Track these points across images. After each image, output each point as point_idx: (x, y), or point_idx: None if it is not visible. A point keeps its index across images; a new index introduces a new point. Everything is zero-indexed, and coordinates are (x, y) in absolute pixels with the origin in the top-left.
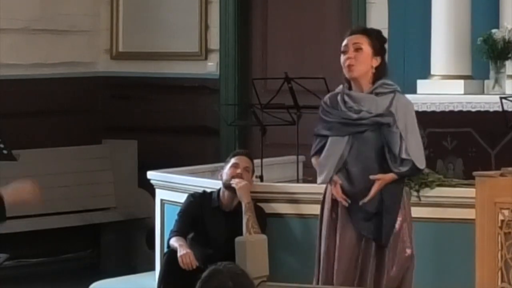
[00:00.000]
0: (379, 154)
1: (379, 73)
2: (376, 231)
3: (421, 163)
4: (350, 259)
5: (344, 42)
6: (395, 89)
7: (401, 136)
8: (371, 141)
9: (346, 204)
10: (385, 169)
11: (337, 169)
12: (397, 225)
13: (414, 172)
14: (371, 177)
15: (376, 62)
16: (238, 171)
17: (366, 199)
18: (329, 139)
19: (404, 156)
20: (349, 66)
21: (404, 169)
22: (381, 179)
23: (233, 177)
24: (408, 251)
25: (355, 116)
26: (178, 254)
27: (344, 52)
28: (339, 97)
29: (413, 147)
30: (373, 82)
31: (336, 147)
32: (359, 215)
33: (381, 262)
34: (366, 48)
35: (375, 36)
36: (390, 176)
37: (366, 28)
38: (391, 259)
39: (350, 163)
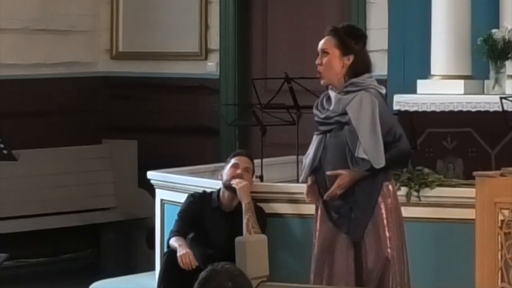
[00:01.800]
0: (343, 153)
1: (354, 70)
2: (348, 226)
3: (377, 163)
4: (326, 252)
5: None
6: (364, 87)
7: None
8: (338, 140)
9: (318, 204)
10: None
11: (312, 168)
12: (371, 224)
13: (374, 171)
14: (327, 173)
15: (347, 61)
16: (238, 171)
17: (325, 195)
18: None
19: (360, 155)
20: (319, 73)
21: (362, 168)
22: (342, 174)
23: (233, 177)
24: (387, 253)
25: (323, 115)
26: (178, 254)
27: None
28: (321, 97)
29: (371, 146)
30: (345, 80)
31: (312, 146)
32: (334, 211)
33: (359, 256)
34: (332, 51)
35: (344, 34)
36: (353, 172)
37: (336, 27)
38: (369, 256)
39: (323, 162)
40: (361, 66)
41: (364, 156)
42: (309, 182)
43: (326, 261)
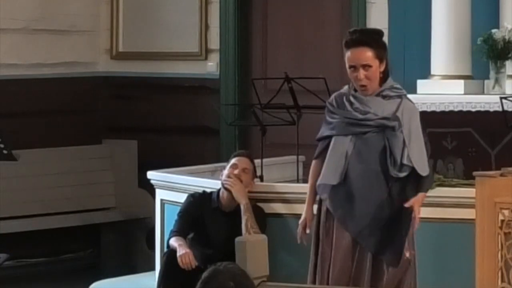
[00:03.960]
0: (379, 157)
1: (385, 74)
2: (388, 253)
3: (423, 170)
4: (345, 260)
5: (349, 56)
6: (402, 94)
7: (404, 142)
8: (373, 143)
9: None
10: (385, 172)
11: (341, 168)
12: None
13: (426, 183)
14: (406, 205)
15: (383, 66)
16: (236, 172)
17: (415, 227)
18: (333, 139)
19: (405, 161)
20: (362, 86)
21: (402, 174)
22: (415, 203)
23: (229, 177)
24: (407, 254)
25: (360, 116)
26: (178, 254)
27: (352, 68)
28: (344, 98)
29: (415, 154)
30: (380, 84)
31: (340, 146)
32: (363, 228)
33: (379, 263)
34: (374, 63)
35: (377, 43)
36: (422, 195)
37: (367, 38)
38: None
39: (350, 164)
40: (388, 69)
41: (409, 164)
42: (308, 215)
43: (348, 269)
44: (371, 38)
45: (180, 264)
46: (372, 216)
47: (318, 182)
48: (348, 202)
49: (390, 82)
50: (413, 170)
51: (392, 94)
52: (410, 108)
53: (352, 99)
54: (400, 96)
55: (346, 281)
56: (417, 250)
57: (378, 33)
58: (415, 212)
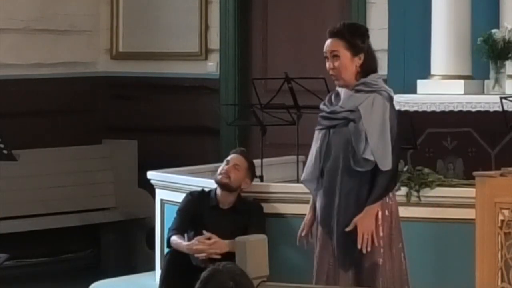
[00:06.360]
0: (345, 151)
1: (365, 69)
2: (343, 256)
3: (384, 165)
4: (329, 255)
5: (324, 47)
6: (377, 89)
7: (366, 136)
8: (341, 136)
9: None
10: (349, 167)
11: (318, 162)
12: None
13: (377, 191)
14: (346, 229)
15: (358, 60)
16: (226, 167)
17: (359, 245)
18: (315, 134)
19: (366, 156)
20: (332, 76)
21: (363, 169)
22: (361, 223)
23: (220, 173)
24: (377, 257)
25: (329, 109)
26: (187, 247)
27: (326, 59)
28: (330, 94)
29: (378, 149)
30: (357, 79)
31: (317, 140)
32: (329, 224)
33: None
34: (343, 53)
35: (350, 35)
36: (370, 211)
37: (340, 28)
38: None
39: (324, 158)
40: (371, 64)
41: (370, 158)
42: (309, 216)
43: (330, 264)
44: (347, 30)
45: (195, 254)
46: (336, 213)
47: (302, 178)
48: (321, 197)
49: (369, 78)
50: (376, 167)
51: (365, 89)
52: (377, 103)
53: (333, 95)
54: (374, 91)
55: (330, 276)
56: (417, 250)
57: (359, 27)
58: (359, 239)
